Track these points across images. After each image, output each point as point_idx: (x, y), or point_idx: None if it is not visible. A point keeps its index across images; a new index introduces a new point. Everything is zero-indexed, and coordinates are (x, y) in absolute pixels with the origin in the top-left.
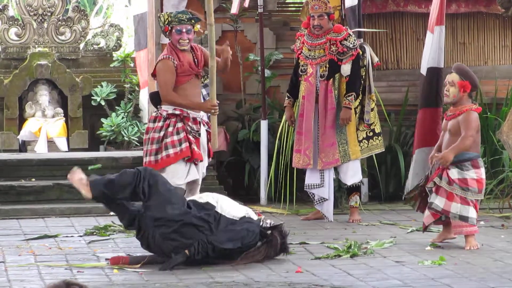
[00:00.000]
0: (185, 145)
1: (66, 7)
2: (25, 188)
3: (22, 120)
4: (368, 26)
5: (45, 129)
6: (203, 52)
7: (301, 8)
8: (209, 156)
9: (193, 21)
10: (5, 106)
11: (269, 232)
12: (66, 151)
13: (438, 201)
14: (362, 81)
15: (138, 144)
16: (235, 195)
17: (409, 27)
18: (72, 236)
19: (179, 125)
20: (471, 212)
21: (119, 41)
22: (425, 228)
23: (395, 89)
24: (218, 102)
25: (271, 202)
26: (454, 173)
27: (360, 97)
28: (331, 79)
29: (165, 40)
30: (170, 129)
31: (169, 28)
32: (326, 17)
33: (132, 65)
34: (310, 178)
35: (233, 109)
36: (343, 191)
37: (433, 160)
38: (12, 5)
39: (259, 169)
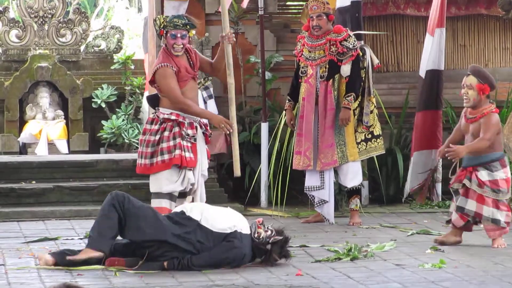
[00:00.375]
0: (178, 151)
1: (67, 9)
2: (25, 190)
3: (22, 122)
4: (368, 29)
5: (46, 132)
6: (198, 55)
7: (301, 11)
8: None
9: (188, 26)
10: (6, 108)
11: (268, 246)
12: (66, 154)
13: (469, 205)
14: (362, 83)
15: (139, 147)
16: (236, 198)
17: (410, 30)
18: (72, 239)
19: (176, 129)
20: (502, 215)
21: (119, 43)
22: (451, 225)
23: (395, 92)
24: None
25: (271, 205)
26: (484, 175)
27: (359, 99)
28: (331, 80)
29: None
30: (166, 133)
31: (164, 32)
32: (324, 17)
33: (132, 67)
34: (310, 180)
35: None
36: (343, 194)
37: (444, 154)
38: (13, 7)
39: (260, 172)
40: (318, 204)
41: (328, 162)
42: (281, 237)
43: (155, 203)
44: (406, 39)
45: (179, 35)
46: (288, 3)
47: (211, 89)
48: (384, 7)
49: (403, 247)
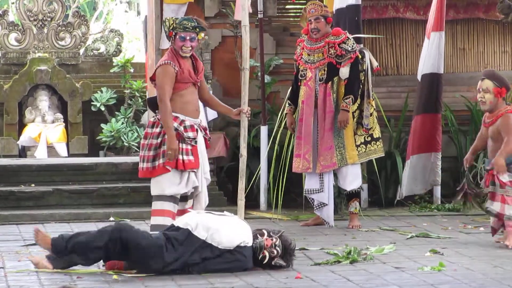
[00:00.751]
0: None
1: (66, 13)
2: (24, 193)
3: (22, 125)
4: (368, 32)
5: (45, 135)
6: (203, 69)
7: (301, 14)
8: None
9: (197, 29)
10: (5, 112)
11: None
12: (66, 157)
13: (494, 206)
14: (361, 86)
15: (138, 150)
16: (235, 201)
17: (409, 33)
18: None
19: (175, 132)
20: None
21: (119, 47)
22: (495, 232)
23: (394, 95)
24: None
25: (270, 208)
26: (505, 176)
27: (358, 102)
28: (330, 82)
29: (165, 46)
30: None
31: (173, 34)
32: (323, 20)
33: (132, 70)
34: (310, 183)
35: None
36: (342, 197)
37: (471, 162)
38: (12, 10)
39: (259, 175)
40: (318, 207)
41: (327, 165)
42: (284, 264)
43: (157, 206)
44: (405, 42)
45: (188, 38)
46: (288, 6)
47: (210, 92)
48: (383, 11)
49: (402, 250)
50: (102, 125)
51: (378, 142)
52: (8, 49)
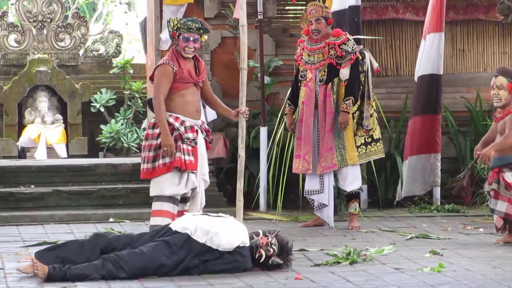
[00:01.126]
0: (178, 154)
1: (66, 14)
2: (24, 194)
3: (21, 126)
4: (367, 33)
5: (45, 136)
6: (205, 70)
7: (300, 15)
8: None
9: (201, 31)
10: (5, 113)
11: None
12: (65, 158)
13: (499, 206)
14: (361, 87)
15: (138, 151)
16: (234, 202)
17: (409, 34)
18: None
19: (176, 133)
20: None
21: (118, 48)
22: (499, 230)
23: (394, 96)
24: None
25: (270, 209)
26: (509, 176)
27: (358, 103)
28: (330, 84)
29: (165, 47)
30: None
31: (177, 34)
32: (323, 21)
33: (131, 71)
34: (310, 184)
35: None
36: (342, 198)
37: (476, 157)
38: (12, 11)
39: (259, 176)
40: (318, 208)
41: (327, 166)
42: (281, 262)
43: (156, 206)
44: (405, 43)
45: (191, 39)
46: (287, 7)
47: (213, 93)
48: (383, 12)
49: (402, 251)
50: (102, 126)
51: (378, 143)
52: (7, 50)
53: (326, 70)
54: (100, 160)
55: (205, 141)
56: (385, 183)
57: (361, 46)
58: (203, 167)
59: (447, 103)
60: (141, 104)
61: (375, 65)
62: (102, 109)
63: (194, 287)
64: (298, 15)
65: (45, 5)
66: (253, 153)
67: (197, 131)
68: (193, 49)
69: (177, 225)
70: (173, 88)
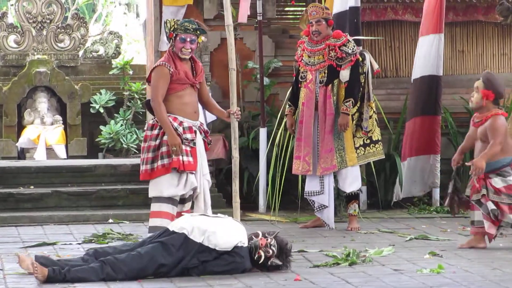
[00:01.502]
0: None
1: (66, 15)
2: (23, 195)
3: (21, 127)
4: (367, 34)
5: (44, 137)
6: (203, 71)
7: (300, 16)
8: None
9: (198, 32)
10: (4, 114)
11: (268, 263)
12: (64, 159)
13: (489, 205)
14: (362, 88)
15: (137, 152)
16: None
17: (408, 35)
18: (70, 244)
19: None
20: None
21: (118, 49)
22: (493, 237)
23: (393, 97)
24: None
25: (269, 210)
26: (498, 182)
27: (358, 104)
28: (330, 85)
29: (164, 48)
30: (166, 137)
31: (174, 35)
32: (324, 22)
33: (131, 72)
34: (310, 185)
35: None
36: (341, 199)
37: (458, 162)
38: (12, 12)
39: (258, 177)
40: (318, 209)
41: (327, 167)
42: (280, 263)
43: (155, 207)
44: (404, 44)
45: (188, 40)
46: (287, 8)
47: (210, 95)
48: (382, 13)
49: (401, 252)
50: (101, 127)
51: (377, 144)
52: (7, 51)
53: (326, 71)
54: (100, 161)
55: (204, 142)
56: (384, 184)
57: (361, 47)
58: (204, 168)
59: (447, 104)
60: (141, 105)
61: (375, 66)
62: (102, 110)
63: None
64: (297, 16)
65: (44, 6)
66: (252, 154)
67: (195, 132)
68: (190, 50)
69: (175, 225)
70: (170, 90)
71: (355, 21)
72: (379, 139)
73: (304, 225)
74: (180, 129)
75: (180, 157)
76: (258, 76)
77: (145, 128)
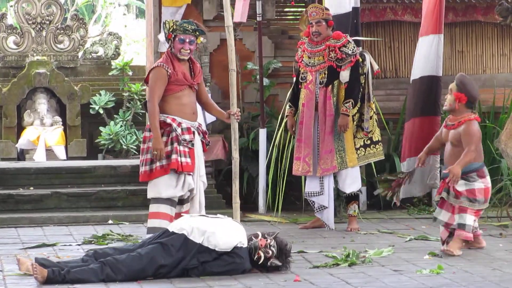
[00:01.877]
0: (174, 156)
1: (65, 16)
2: (23, 196)
3: (20, 128)
4: (366, 35)
5: (44, 138)
6: (201, 72)
7: (299, 17)
8: None
9: (197, 32)
10: (4, 115)
11: (268, 263)
12: (64, 160)
13: (442, 216)
14: (362, 89)
15: (137, 153)
16: None
17: (407, 36)
18: (70, 245)
19: (173, 134)
20: (468, 219)
21: (117, 50)
22: (444, 243)
23: (393, 98)
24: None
25: (269, 211)
26: (461, 185)
27: (358, 105)
28: (330, 86)
29: (163, 49)
30: (164, 138)
31: (173, 36)
32: (324, 23)
33: (130, 73)
34: (310, 186)
35: None
36: (341, 200)
37: (424, 162)
38: (11, 13)
39: (258, 178)
40: (318, 210)
41: (327, 168)
42: (280, 264)
43: (153, 208)
44: (403, 45)
45: (187, 40)
46: (286, 9)
47: (209, 96)
48: (382, 14)
49: (401, 253)
50: (101, 128)
51: (377, 145)
52: (6, 52)
53: (326, 72)
54: (99, 162)
55: (202, 143)
56: None
57: (360, 48)
58: (200, 169)
59: None
60: (140, 106)
61: (375, 67)
62: (101, 111)
63: None
64: (297, 17)
65: (44, 7)
66: (252, 155)
67: (193, 133)
68: (188, 51)
69: (174, 226)
70: (168, 90)
71: (355, 22)
72: (379, 139)
73: (304, 225)
74: (179, 130)
75: (179, 158)
76: (258, 77)
77: (145, 130)
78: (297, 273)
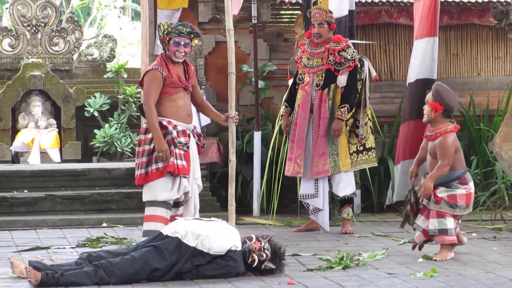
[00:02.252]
0: (171, 159)
1: (60, 18)
2: (17, 199)
3: (15, 131)
4: (361, 38)
5: (38, 140)
6: (195, 75)
7: (295, 20)
8: None
9: (192, 35)
10: None
11: (262, 267)
12: (59, 162)
13: (421, 222)
14: (358, 95)
15: (131, 155)
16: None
17: (403, 39)
18: (64, 248)
19: (169, 137)
20: (449, 224)
21: (112, 52)
22: (415, 247)
23: (388, 101)
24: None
25: (263, 214)
26: (442, 191)
27: (353, 110)
28: (326, 89)
29: (159, 51)
30: None
31: (167, 39)
32: (326, 25)
33: (125, 76)
34: (304, 188)
35: None
36: (335, 203)
37: (416, 174)
38: (6, 15)
39: (252, 181)
40: (313, 212)
41: (319, 171)
42: (274, 267)
43: (149, 211)
44: (398, 48)
45: (182, 43)
46: (282, 12)
47: (204, 98)
48: (377, 16)
49: (394, 256)
50: (96, 131)
51: (370, 152)
52: (1, 54)
53: (323, 75)
54: (94, 165)
55: (197, 146)
56: (378, 188)
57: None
58: (196, 172)
59: None
60: (135, 109)
61: (374, 73)
62: (96, 114)
63: None
64: (292, 20)
65: (39, 9)
66: (246, 157)
67: (189, 135)
68: (183, 54)
69: (168, 229)
70: (163, 93)
71: (350, 25)
72: (373, 146)
73: (298, 229)
74: (174, 133)
75: (175, 161)
76: (253, 79)
77: (140, 132)
78: (291, 276)
